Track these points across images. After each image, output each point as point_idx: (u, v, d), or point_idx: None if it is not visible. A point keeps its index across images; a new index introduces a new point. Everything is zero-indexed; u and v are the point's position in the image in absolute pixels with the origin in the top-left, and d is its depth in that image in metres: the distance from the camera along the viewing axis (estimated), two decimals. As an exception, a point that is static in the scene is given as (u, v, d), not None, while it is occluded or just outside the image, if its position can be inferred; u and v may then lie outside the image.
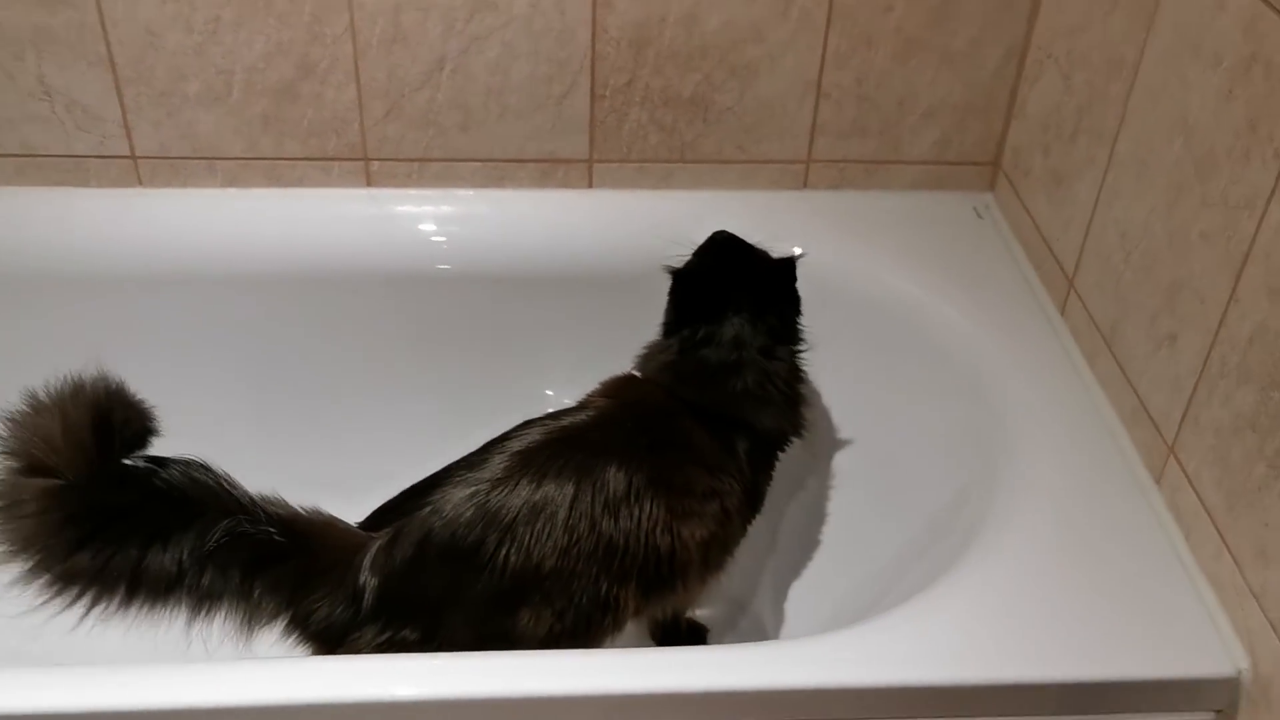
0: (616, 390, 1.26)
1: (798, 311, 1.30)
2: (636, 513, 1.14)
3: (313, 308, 1.58)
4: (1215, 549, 1.06)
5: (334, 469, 1.45)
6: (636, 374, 1.28)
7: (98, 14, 1.41)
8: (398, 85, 1.48)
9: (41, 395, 1.04)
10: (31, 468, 1.01)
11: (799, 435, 1.30)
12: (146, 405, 1.09)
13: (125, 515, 1.03)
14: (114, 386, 1.07)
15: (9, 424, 1.02)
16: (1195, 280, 1.11)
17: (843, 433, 1.47)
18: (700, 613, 1.47)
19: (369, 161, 1.55)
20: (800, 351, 1.29)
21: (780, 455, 1.30)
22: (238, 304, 1.57)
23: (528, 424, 1.19)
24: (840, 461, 1.47)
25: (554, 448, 1.15)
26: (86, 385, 1.05)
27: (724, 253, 1.32)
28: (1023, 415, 1.28)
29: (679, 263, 1.29)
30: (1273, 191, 0.99)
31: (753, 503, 1.27)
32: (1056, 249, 1.41)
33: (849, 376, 1.45)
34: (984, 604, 1.07)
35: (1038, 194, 1.47)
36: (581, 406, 1.24)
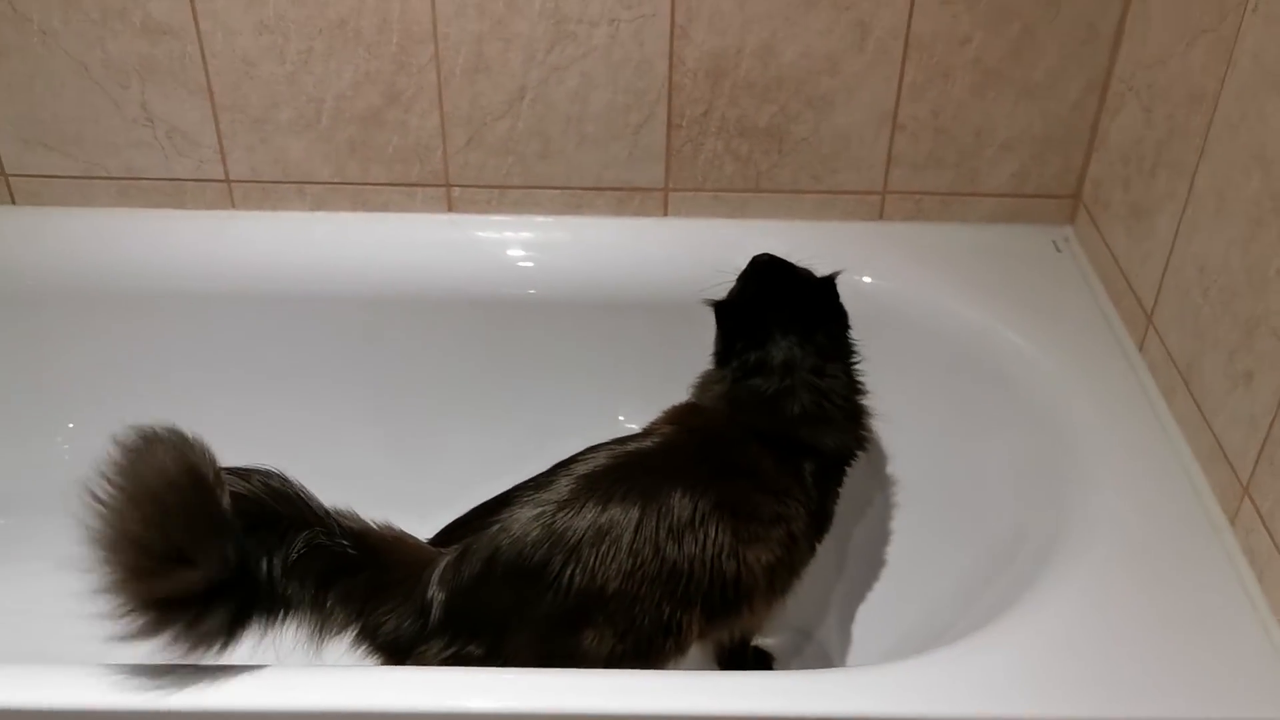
0: (680, 417, 1.28)
1: (845, 326, 1.31)
2: (701, 538, 1.15)
3: (392, 328, 1.63)
4: (1290, 592, 1.04)
5: (407, 485, 1.49)
6: (698, 402, 1.30)
7: (198, 45, 1.47)
8: (479, 114, 1.52)
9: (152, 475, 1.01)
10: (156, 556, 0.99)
11: (863, 449, 1.31)
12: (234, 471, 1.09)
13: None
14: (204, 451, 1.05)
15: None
16: (1272, 317, 1.09)
17: (914, 459, 1.47)
18: (766, 640, 1.47)
19: (450, 187, 1.59)
20: (855, 364, 1.30)
21: (847, 471, 1.30)
22: (322, 323, 1.62)
23: (594, 448, 1.21)
24: (910, 487, 1.47)
25: (620, 472, 1.17)
26: (191, 458, 1.03)
27: (765, 277, 1.33)
28: (1096, 451, 1.27)
29: (722, 292, 1.31)
30: (1352, 227, 0.97)
31: (820, 524, 1.28)
32: (1135, 284, 1.40)
33: (922, 405, 1.44)
34: (1052, 639, 1.06)
35: (1117, 228, 1.45)
36: (647, 433, 1.25)
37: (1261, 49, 1.12)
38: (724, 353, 1.29)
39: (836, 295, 1.31)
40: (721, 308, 1.30)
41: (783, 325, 1.26)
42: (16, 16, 1.45)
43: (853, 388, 1.29)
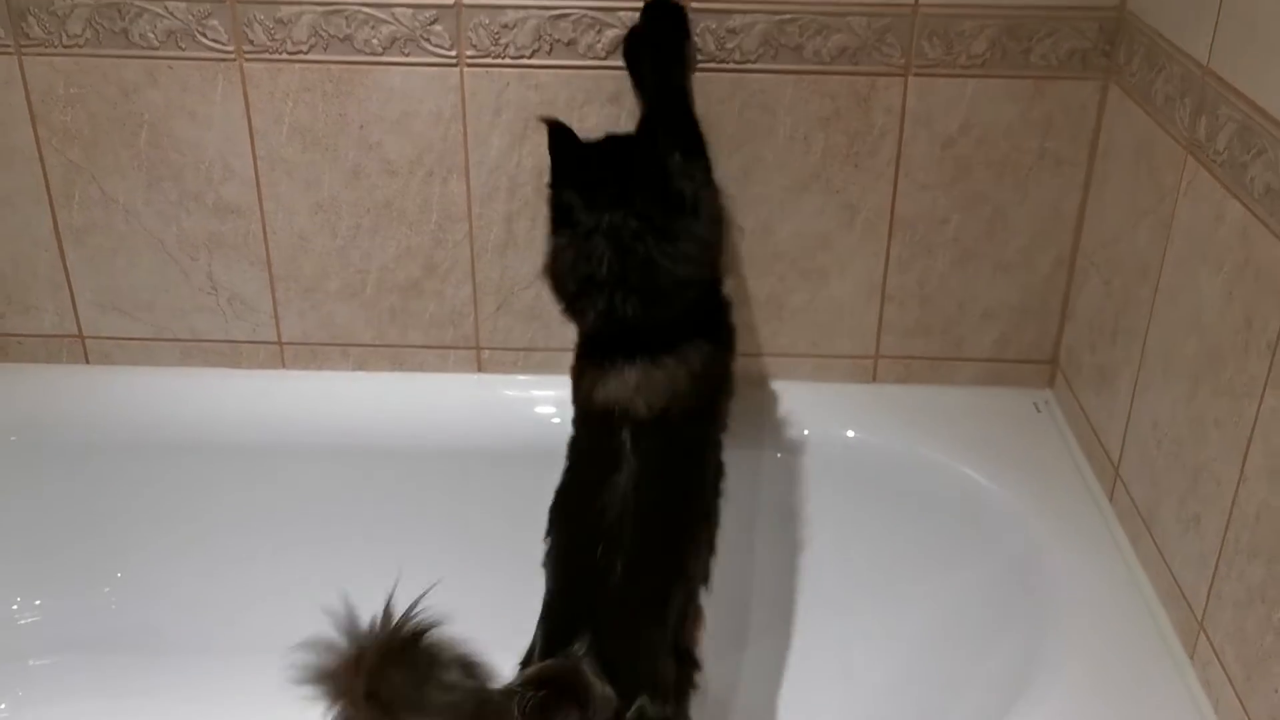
0: None
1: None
2: None
3: (426, 481, 1.74)
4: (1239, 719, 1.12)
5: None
6: None
7: (260, 223, 1.67)
8: (508, 283, 1.69)
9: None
10: None
11: None
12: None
13: None
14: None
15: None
16: (1212, 464, 1.20)
17: (890, 597, 1.56)
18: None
19: (480, 350, 1.75)
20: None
21: None
22: (362, 476, 1.75)
23: None
24: (886, 623, 1.55)
25: None
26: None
27: None
28: (1068, 593, 1.36)
29: None
30: (1267, 380, 1.09)
31: None
32: (1104, 439, 1.51)
33: (900, 548, 1.55)
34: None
35: (1088, 390, 1.58)
36: None
37: (1192, 226, 1.27)
38: None
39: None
40: None
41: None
42: (104, 198, 1.66)
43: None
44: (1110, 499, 1.48)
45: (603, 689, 1.12)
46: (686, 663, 1.29)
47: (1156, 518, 1.34)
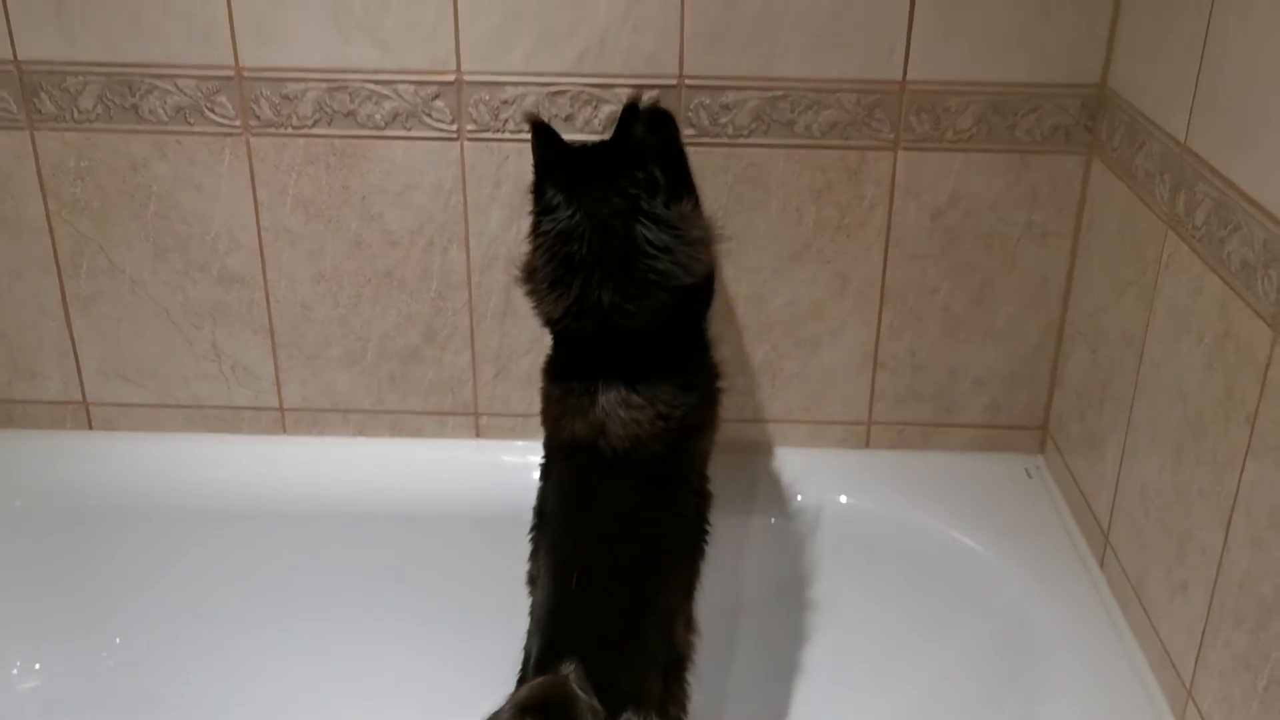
0: None
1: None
2: None
3: (425, 546, 1.76)
4: (1226, 786, 1.13)
5: (440, 695, 1.59)
6: None
7: (264, 292, 1.70)
8: (507, 351, 1.72)
9: None
10: None
11: None
12: None
13: None
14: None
15: None
16: (1198, 532, 1.22)
17: (880, 662, 1.57)
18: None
19: (479, 416, 1.78)
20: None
21: None
22: (361, 540, 1.76)
23: None
24: (876, 689, 1.56)
25: None
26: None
27: None
28: (1060, 659, 1.38)
29: None
30: (1247, 450, 1.11)
31: None
32: (1094, 506, 1.53)
33: (891, 612, 1.56)
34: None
35: (1078, 456, 1.60)
36: None
37: (1173, 299, 1.30)
38: None
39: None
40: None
41: None
42: (112, 268, 1.69)
43: None
44: (1101, 565, 1.50)
45: (589, 702, 1.18)
46: (674, 681, 1.33)
47: (1145, 585, 1.36)
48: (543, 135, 1.36)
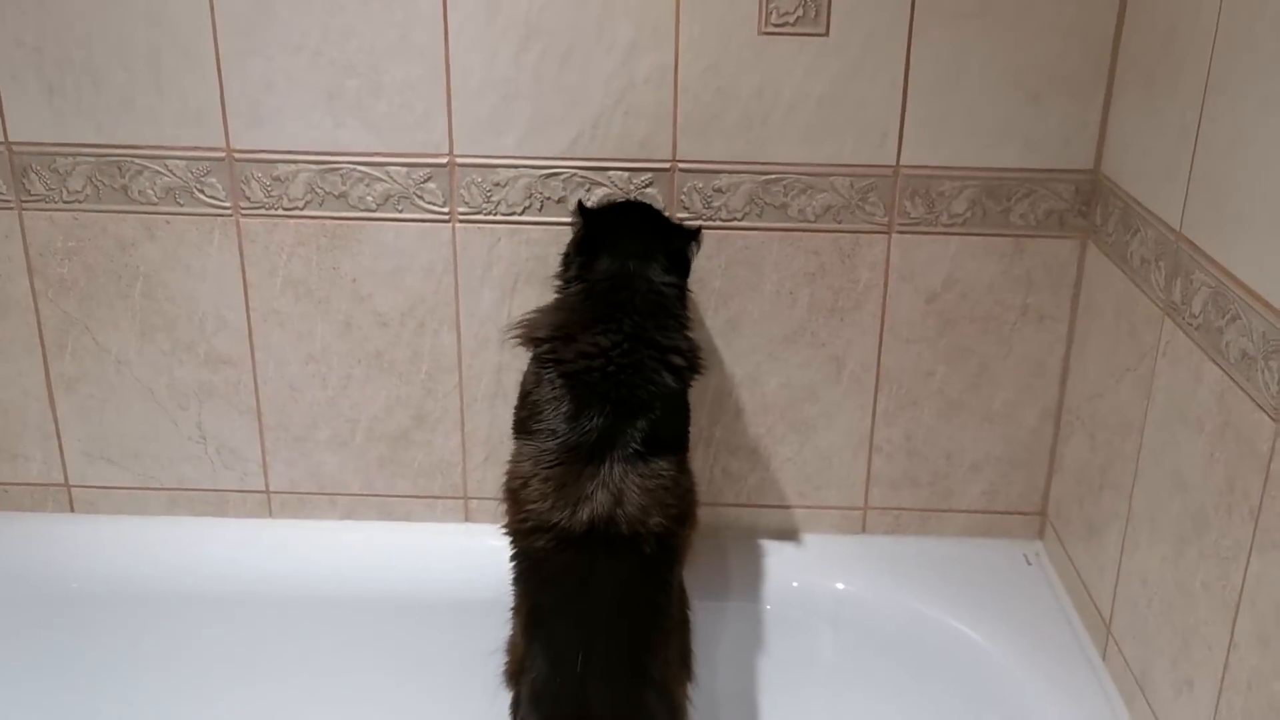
0: None
1: None
2: None
3: (413, 631, 1.73)
4: None
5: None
6: None
7: (252, 373, 1.68)
8: (496, 433, 1.70)
9: None
10: None
11: None
12: None
13: None
14: None
15: None
16: (1203, 627, 1.19)
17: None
18: None
19: (468, 500, 1.75)
20: None
21: None
22: (347, 626, 1.73)
23: None
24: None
25: None
26: None
27: None
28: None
29: None
30: (1251, 544, 1.09)
31: None
32: (1095, 595, 1.50)
33: (893, 707, 1.52)
34: None
35: (1078, 543, 1.57)
36: None
37: (1171, 387, 1.28)
38: None
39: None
40: None
41: None
42: (97, 349, 1.67)
43: None
44: (1103, 657, 1.46)
45: None
46: None
47: (1149, 679, 1.32)
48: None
